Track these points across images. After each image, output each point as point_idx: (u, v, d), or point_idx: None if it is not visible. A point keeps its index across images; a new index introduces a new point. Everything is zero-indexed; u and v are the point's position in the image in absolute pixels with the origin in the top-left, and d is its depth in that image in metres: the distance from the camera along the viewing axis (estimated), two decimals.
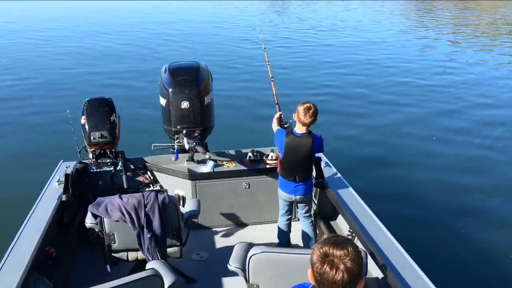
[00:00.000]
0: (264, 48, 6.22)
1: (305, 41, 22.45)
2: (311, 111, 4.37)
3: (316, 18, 26.92)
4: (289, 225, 4.93)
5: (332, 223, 5.07)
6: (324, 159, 5.46)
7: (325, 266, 1.95)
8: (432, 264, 5.15)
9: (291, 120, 4.77)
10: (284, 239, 4.95)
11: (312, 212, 5.22)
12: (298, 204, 4.81)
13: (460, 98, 13.26)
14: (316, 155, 5.09)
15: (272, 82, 5.49)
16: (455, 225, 6.97)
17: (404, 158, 9.38)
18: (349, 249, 1.94)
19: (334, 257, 1.94)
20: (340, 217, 4.81)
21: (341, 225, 4.94)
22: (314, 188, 5.11)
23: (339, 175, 5.21)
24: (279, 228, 4.95)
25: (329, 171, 5.27)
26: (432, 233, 6.75)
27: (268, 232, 5.43)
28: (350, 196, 4.77)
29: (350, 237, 4.67)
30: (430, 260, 5.65)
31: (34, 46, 21.07)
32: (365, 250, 3.74)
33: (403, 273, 3.55)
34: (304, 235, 4.87)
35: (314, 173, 4.96)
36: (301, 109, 4.40)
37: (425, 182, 8.33)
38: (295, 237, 5.08)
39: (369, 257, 3.74)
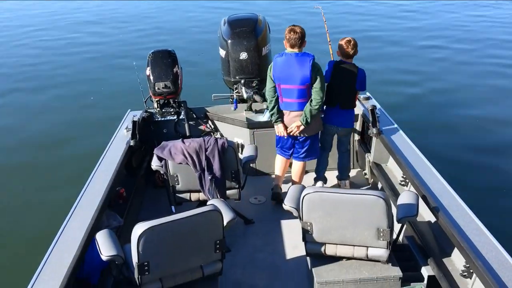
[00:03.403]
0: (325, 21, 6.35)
1: None
2: (351, 43, 4.81)
3: None
4: (326, 158, 5.28)
5: (386, 169, 5.16)
6: (379, 107, 5.51)
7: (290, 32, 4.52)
8: (485, 208, 5.18)
9: None
10: (322, 172, 5.32)
11: (356, 146, 5.55)
12: (339, 138, 5.16)
13: None
14: (371, 104, 5.18)
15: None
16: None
17: (462, 102, 9.24)
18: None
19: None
20: (393, 163, 4.89)
21: (395, 171, 5.02)
22: (371, 135, 5.21)
23: (394, 123, 5.26)
24: (318, 161, 5.28)
25: (384, 119, 5.33)
26: (488, 180, 6.73)
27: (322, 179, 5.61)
28: (404, 143, 4.83)
29: (403, 182, 4.77)
30: (484, 204, 5.68)
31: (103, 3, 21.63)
32: (417, 193, 3.84)
33: (456, 216, 3.62)
34: (340, 167, 5.30)
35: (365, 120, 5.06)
36: (342, 43, 4.85)
37: (482, 131, 8.23)
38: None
39: (421, 200, 3.84)
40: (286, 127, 4.83)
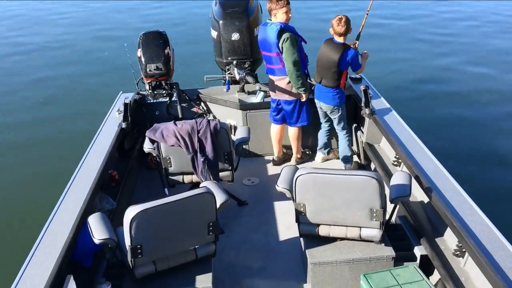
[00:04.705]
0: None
1: None
2: (342, 21, 4.78)
3: None
4: (326, 133, 5.47)
5: (379, 149, 5.16)
6: (372, 88, 5.50)
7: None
8: (478, 189, 5.21)
9: (365, 51, 5.19)
10: (321, 145, 5.57)
11: (347, 126, 5.42)
12: (330, 115, 5.21)
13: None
14: (364, 85, 5.17)
15: (366, 15, 5.50)
16: (504, 153, 6.96)
17: (454, 92, 9.25)
18: None
19: None
20: (386, 143, 4.89)
21: (388, 151, 5.02)
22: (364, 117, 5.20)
23: (387, 104, 5.24)
24: (318, 135, 5.55)
25: (377, 100, 5.32)
26: (480, 163, 6.78)
27: (316, 159, 5.62)
28: (397, 123, 4.82)
29: (396, 162, 4.77)
30: (477, 184, 5.71)
31: None
32: (410, 173, 3.84)
33: (448, 196, 3.63)
34: (340, 146, 5.36)
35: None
36: (334, 21, 4.83)
37: (473, 114, 8.27)
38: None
39: (414, 180, 3.85)
40: (271, 91, 5.21)
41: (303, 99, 5.12)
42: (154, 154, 4.43)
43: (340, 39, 4.85)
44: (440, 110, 8.38)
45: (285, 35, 4.72)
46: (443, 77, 9.89)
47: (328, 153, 5.61)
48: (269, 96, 5.38)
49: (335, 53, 4.81)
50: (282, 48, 4.75)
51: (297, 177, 3.45)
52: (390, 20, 13.83)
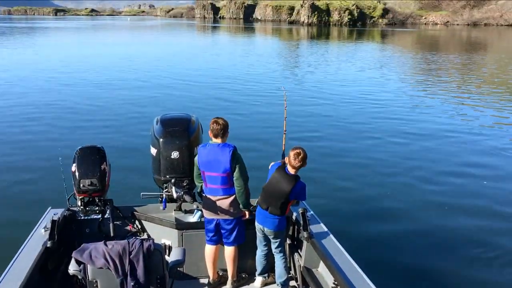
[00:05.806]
0: (286, 106, 6.44)
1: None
2: (300, 157, 4.86)
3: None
4: (265, 256, 5.32)
5: (317, 274, 5.06)
6: (310, 211, 5.53)
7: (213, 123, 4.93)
8: None
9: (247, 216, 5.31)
10: (260, 269, 5.40)
11: (287, 249, 5.45)
12: (270, 238, 5.14)
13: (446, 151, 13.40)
14: (302, 207, 5.19)
15: (284, 135, 5.78)
16: (445, 273, 7.04)
17: (389, 208, 9.51)
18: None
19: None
20: (325, 268, 4.81)
21: (326, 277, 4.93)
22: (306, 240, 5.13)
23: (325, 228, 5.26)
24: (257, 258, 5.41)
25: (315, 223, 5.33)
26: (417, 282, 6.75)
27: (254, 282, 5.42)
28: (335, 248, 4.81)
29: None
30: None
31: (30, 94, 21.22)
32: None
33: None
34: (276, 268, 5.23)
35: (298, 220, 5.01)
36: (291, 153, 4.90)
37: (409, 230, 8.45)
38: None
39: None
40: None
41: (247, 217, 5.17)
42: (80, 277, 4.11)
43: (292, 171, 4.92)
44: (378, 234, 8.46)
45: (238, 155, 4.94)
46: (382, 199, 10.15)
47: (268, 276, 5.43)
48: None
49: (287, 184, 4.87)
50: (235, 168, 4.88)
51: None
52: (320, 143, 14.40)
